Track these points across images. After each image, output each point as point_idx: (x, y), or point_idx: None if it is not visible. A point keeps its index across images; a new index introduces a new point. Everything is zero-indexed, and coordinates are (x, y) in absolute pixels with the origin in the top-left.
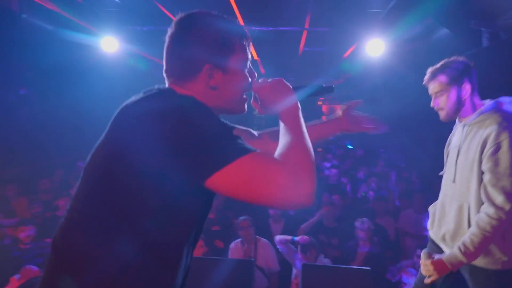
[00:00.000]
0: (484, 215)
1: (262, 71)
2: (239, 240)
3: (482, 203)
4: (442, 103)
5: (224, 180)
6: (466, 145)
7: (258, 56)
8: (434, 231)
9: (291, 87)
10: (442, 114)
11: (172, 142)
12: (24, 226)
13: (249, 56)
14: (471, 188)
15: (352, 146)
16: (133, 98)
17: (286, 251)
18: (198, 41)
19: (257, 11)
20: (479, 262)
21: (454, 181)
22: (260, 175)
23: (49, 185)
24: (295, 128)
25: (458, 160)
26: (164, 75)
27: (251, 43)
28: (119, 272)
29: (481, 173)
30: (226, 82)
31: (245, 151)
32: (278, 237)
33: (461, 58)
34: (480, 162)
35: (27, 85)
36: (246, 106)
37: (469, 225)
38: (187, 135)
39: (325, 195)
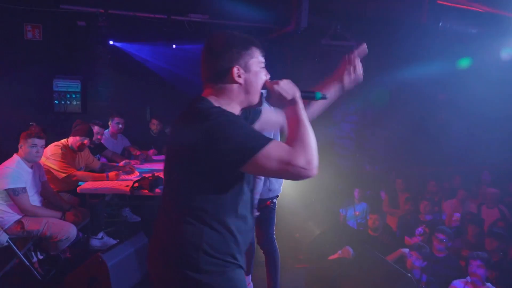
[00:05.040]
0: None
1: None
2: None
3: None
4: None
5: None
6: None
7: None
8: None
9: (297, 88)
10: None
11: None
12: (373, 215)
13: (263, 60)
14: None
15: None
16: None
17: None
18: (226, 50)
19: None
20: None
21: None
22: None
23: (435, 188)
24: (299, 120)
25: None
26: (203, 79)
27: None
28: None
29: None
30: (248, 79)
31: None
32: None
33: None
34: None
35: (445, 91)
36: (261, 100)
37: None
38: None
39: None
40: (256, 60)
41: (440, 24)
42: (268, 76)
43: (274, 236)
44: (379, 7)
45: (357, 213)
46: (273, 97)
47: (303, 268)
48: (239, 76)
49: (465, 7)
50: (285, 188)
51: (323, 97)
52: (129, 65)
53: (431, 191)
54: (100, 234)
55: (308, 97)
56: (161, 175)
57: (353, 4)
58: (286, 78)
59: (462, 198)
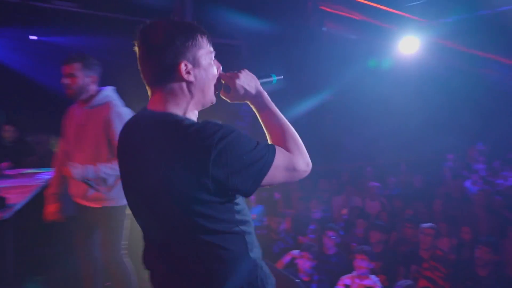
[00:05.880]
0: None
1: None
2: None
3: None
4: (71, 84)
5: None
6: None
7: None
8: None
9: (255, 76)
10: (69, 92)
11: None
12: (276, 217)
13: (212, 49)
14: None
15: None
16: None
17: None
18: (168, 44)
19: None
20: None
21: None
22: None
23: (327, 186)
24: (278, 117)
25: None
26: (146, 83)
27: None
28: None
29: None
30: (199, 75)
31: None
32: None
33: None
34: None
35: (331, 93)
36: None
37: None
38: None
39: None
40: (205, 50)
41: (324, 29)
42: (220, 68)
43: (123, 253)
44: (268, 7)
45: (254, 216)
46: (235, 93)
47: None
48: (188, 72)
49: (344, 14)
50: None
51: (279, 78)
52: None
53: (321, 189)
54: None
55: (267, 83)
56: (10, 193)
57: (243, 2)
58: None
59: (349, 194)
